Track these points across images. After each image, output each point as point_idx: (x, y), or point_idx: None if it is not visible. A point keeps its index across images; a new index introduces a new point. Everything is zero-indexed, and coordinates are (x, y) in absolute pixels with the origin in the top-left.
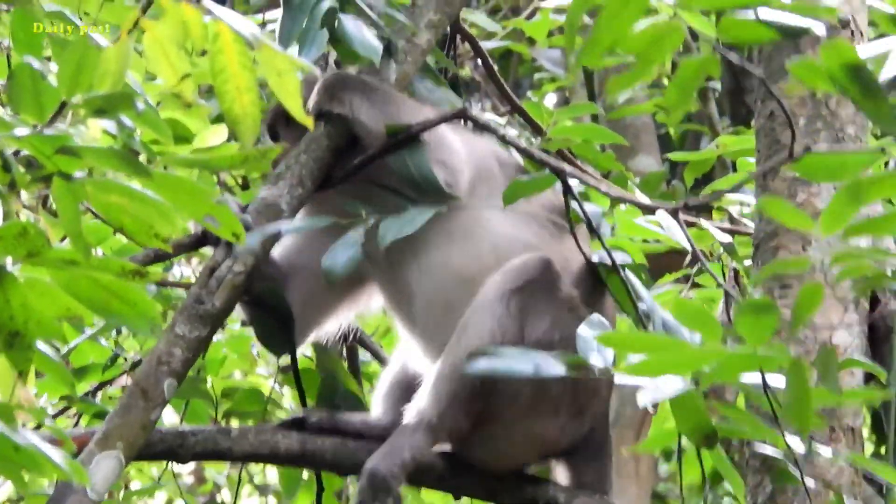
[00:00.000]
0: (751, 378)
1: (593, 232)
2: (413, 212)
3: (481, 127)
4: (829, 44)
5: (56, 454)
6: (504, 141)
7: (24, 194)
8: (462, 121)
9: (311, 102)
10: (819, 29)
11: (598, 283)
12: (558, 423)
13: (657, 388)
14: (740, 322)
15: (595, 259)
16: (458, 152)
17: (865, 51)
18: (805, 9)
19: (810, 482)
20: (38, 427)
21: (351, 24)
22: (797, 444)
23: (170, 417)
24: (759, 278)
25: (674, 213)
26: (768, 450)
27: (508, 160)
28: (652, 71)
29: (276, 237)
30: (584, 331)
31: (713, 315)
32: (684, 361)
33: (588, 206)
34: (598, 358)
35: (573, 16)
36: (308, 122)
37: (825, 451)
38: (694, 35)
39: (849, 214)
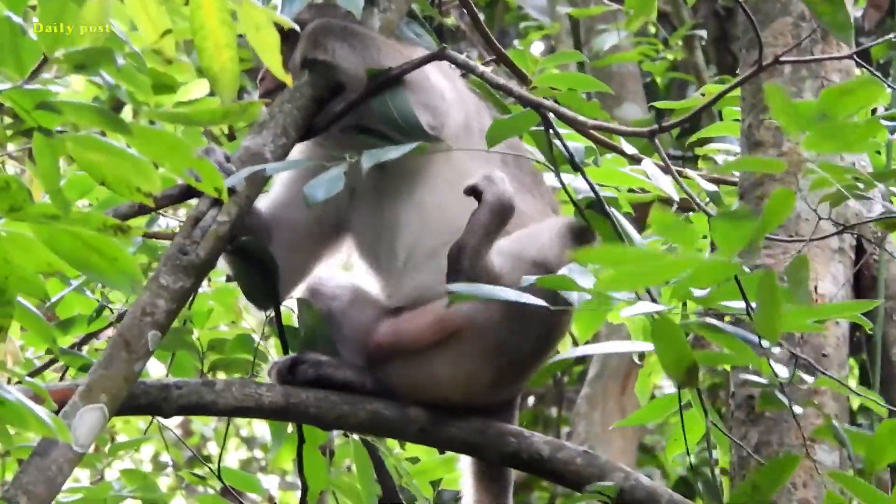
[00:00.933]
0: (733, 303)
1: (576, 168)
2: (386, 149)
3: (460, 66)
4: None
5: (40, 410)
6: (483, 79)
7: (10, 146)
8: (451, 66)
9: (296, 52)
10: None
11: (576, 238)
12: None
13: (634, 307)
14: (716, 229)
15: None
16: (444, 96)
17: None
18: None
19: (797, 409)
20: (19, 383)
21: None
22: (782, 370)
23: (156, 370)
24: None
25: (650, 137)
26: (754, 377)
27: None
28: (648, 13)
29: (259, 188)
30: (566, 272)
31: (691, 227)
32: (661, 270)
33: (570, 144)
34: (584, 280)
35: None
36: (287, 78)
37: (808, 379)
38: None
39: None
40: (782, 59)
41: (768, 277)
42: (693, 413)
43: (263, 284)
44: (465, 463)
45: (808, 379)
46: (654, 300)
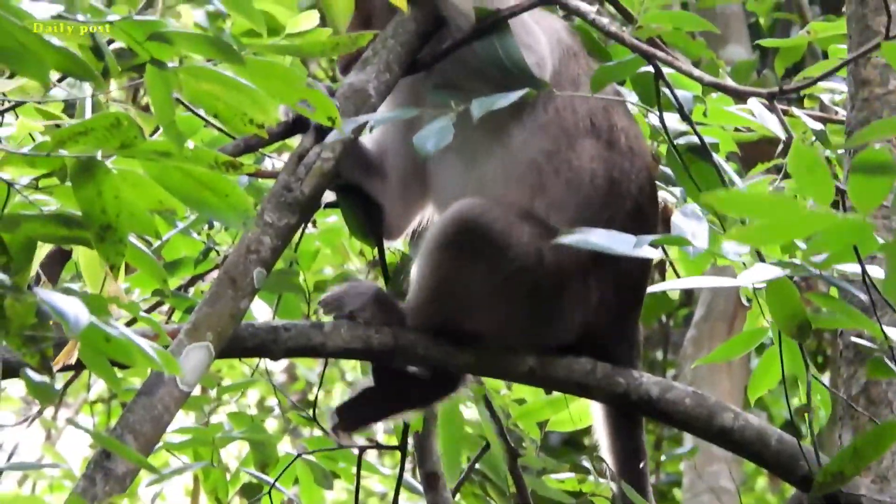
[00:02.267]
0: (850, 267)
1: (685, 118)
2: (495, 96)
3: (570, 10)
4: None
5: (147, 344)
6: (594, 26)
7: (113, 87)
8: (545, 7)
9: None
10: None
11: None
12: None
13: (756, 272)
14: (853, 181)
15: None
16: (543, 40)
17: None
18: None
19: None
20: (132, 322)
21: None
22: (894, 335)
23: (263, 314)
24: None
25: (770, 99)
26: (863, 341)
27: (581, 51)
28: None
29: (363, 125)
30: (679, 217)
31: (828, 172)
32: (794, 226)
33: (679, 92)
34: (699, 237)
35: None
36: (402, 3)
37: None
38: None
39: None
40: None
41: None
42: (790, 354)
43: (368, 223)
44: (595, 407)
45: None
46: (761, 257)
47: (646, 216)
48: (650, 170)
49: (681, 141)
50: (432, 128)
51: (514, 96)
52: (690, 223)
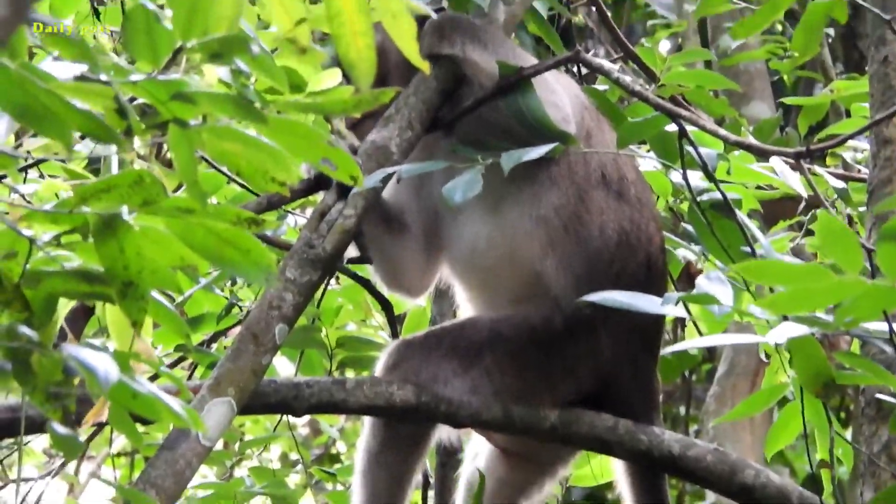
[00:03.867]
0: (876, 326)
1: (708, 175)
2: (522, 150)
3: (594, 69)
4: None
5: (173, 401)
6: (618, 84)
7: (137, 144)
8: (563, 68)
9: (420, 45)
10: None
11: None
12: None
13: (782, 330)
14: (881, 249)
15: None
16: (566, 98)
17: None
18: None
19: None
20: (155, 377)
21: None
22: None
23: (285, 370)
24: (878, 210)
25: (796, 159)
26: (887, 397)
27: (593, 109)
28: (776, 14)
29: (386, 182)
30: (704, 282)
31: (858, 243)
32: (826, 293)
33: (703, 150)
34: (724, 296)
35: None
36: (424, 66)
37: None
38: None
39: None
40: None
41: None
42: (813, 410)
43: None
44: (617, 463)
45: None
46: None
47: (657, 267)
48: (657, 221)
49: (703, 197)
50: (461, 179)
51: (543, 150)
52: (715, 286)
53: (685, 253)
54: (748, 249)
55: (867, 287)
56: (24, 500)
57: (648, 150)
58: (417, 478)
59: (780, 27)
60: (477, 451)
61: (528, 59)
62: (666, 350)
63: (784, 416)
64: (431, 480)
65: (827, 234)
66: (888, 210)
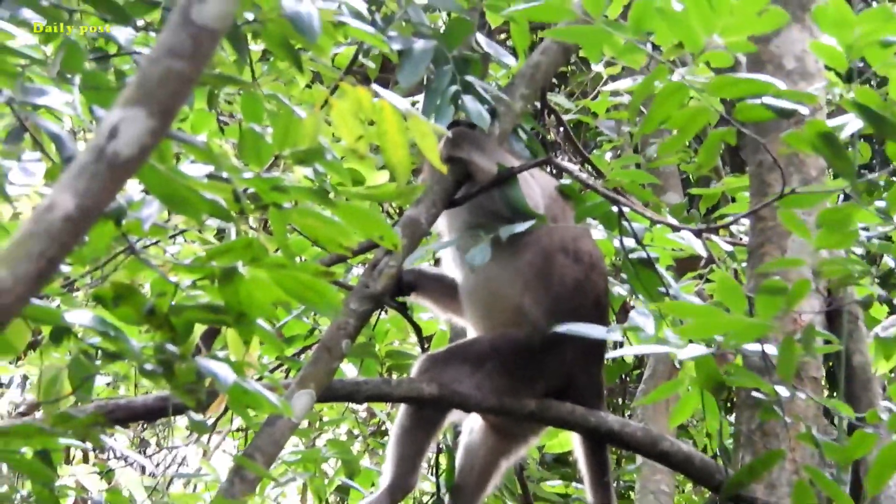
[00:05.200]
0: (752, 346)
1: (638, 241)
2: (514, 225)
3: (561, 169)
4: (811, 121)
5: (271, 396)
6: (578, 180)
7: (251, 220)
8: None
9: (440, 150)
10: (804, 110)
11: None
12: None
13: (689, 350)
14: (759, 299)
15: (634, 257)
16: (538, 190)
17: (831, 123)
18: (795, 95)
19: (787, 419)
20: (261, 378)
21: (469, 101)
22: (782, 390)
23: (350, 373)
24: (759, 271)
25: (697, 234)
26: (758, 394)
27: (559, 198)
28: (688, 136)
29: (416, 245)
30: (635, 314)
31: (742, 292)
32: (719, 325)
33: (634, 224)
34: (648, 326)
35: (635, 101)
36: (443, 168)
37: (800, 395)
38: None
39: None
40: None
41: (788, 342)
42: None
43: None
44: (574, 436)
45: (801, 396)
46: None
47: (602, 304)
48: (604, 273)
49: (633, 255)
50: (476, 249)
51: (528, 224)
52: (642, 317)
53: (621, 290)
54: (664, 291)
55: (747, 323)
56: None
57: (598, 225)
58: (433, 446)
59: (687, 142)
60: (472, 428)
61: (514, 162)
62: (609, 355)
63: (684, 400)
64: (442, 447)
65: (722, 286)
66: (766, 271)
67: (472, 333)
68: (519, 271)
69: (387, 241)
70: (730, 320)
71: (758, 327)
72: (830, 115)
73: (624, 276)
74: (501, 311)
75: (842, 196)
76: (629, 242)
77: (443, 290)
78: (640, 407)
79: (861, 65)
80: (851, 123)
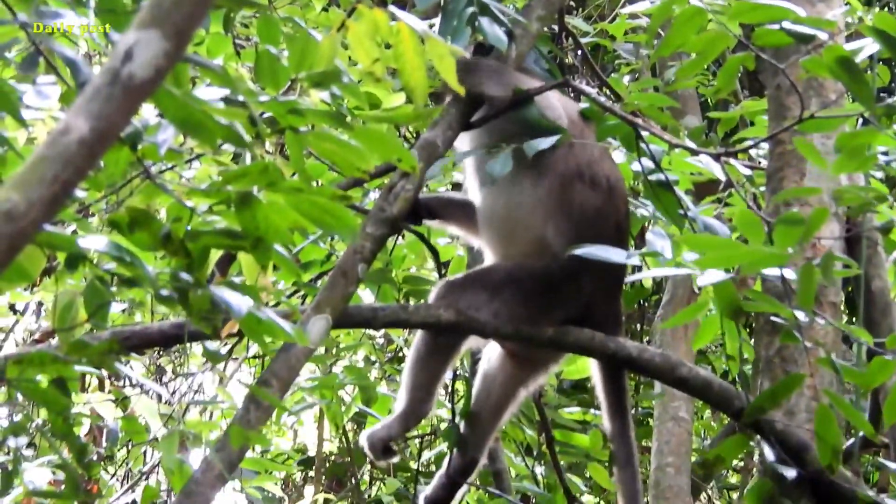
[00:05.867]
0: (772, 271)
1: (656, 164)
2: (539, 140)
3: (578, 91)
4: (830, 46)
5: (285, 324)
6: (596, 102)
7: (267, 144)
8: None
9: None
10: (823, 35)
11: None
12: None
13: (708, 276)
14: (777, 230)
15: (653, 178)
16: (560, 109)
17: (849, 47)
18: (814, 21)
19: (807, 343)
20: (277, 304)
21: (486, 23)
22: (801, 315)
23: (368, 299)
24: (776, 200)
25: (716, 158)
26: (778, 319)
27: (579, 119)
28: (706, 61)
29: (431, 167)
30: (651, 235)
31: (761, 223)
32: (738, 256)
33: (652, 146)
34: (665, 248)
35: (654, 24)
36: (460, 89)
37: (819, 320)
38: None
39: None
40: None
41: (808, 268)
42: (728, 326)
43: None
44: (592, 363)
45: (820, 321)
46: None
47: (623, 231)
48: (624, 196)
49: (652, 178)
50: (498, 160)
51: (553, 140)
52: (659, 239)
53: (644, 211)
54: (683, 213)
55: (765, 253)
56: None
57: (619, 146)
58: (448, 374)
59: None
60: (490, 355)
61: (532, 83)
62: (628, 279)
63: (704, 325)
64: (459, 374)
65: (741, 218)
66: (784, 199)
67: (489, 259)
68: (540, 200)
69: (405, 164)
70: (748, 251)
71: (776, 257)
72: (850, 39)
73: (643, 199)
74: (523, 240)
75: (861, 120)
76: (648, 165)
77: (461, 216)
78: (658, 333)
79: None
80: (868, 47)
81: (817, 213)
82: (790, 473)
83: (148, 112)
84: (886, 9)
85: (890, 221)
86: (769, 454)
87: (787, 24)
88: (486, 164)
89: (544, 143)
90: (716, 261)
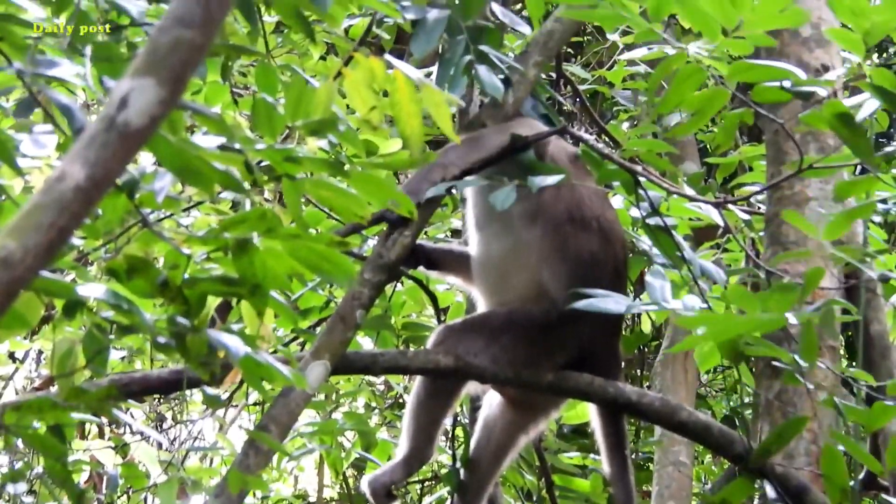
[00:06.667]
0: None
1: (654, 209)
2: (542, 176)
3: (577, 138)
4: (830, 102)
5: (284, 368)
6: (593, 150)
7: (266, 192)
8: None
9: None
10: (822, 92)
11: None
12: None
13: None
14: (772, 296)
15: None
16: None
17: (848, 103)
18: (814, 83)
19: (809, 385)
20: (275, 351)
21: (483, 71)
22: (802, 361)
23: (367, 345)
24: (774, 264)
25: (717, 206)
26: (776, 363)
27: (580, 165)
28: (705, 120)
29: (429, 216)
30: (650, 277)
31: (754, 298)
32: (735, 327)
33: (651, 193)
34: (664, 290)
35: (653, 82)
36: (457, 138)
37: (819, 364)
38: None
39: (842, 227)
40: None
41: (809, 325)
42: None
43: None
44: (592, 407)
45: (820, 365)
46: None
47: (622, 275)
48: (622, 240)
49: (651, 222)
50: (500, 192)
51: (554, 179)
52: (658, 280)
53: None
54: (680, 255)
55: (762, 321)
56: (188, 435)
57: (616, 193)
58: (449, 419)
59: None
60: (491, 402)
61: (532, 129)
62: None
63: (704, 353)
64: (459, 420)
65: (734, 294)
66: (781, 261)
67: (482, 307)
68: (533, 243)
69: (403, 209)
70: (745, 321)
71: (773, 322)
72: (849, 83)
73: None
74: (519, 285)
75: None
76: (647, 209)
77: (458, 266)
78: (657, 377)
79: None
80: (868, 104)
81: (814, 272)
82: None
83: (145, 160)
84: (885, 54)
85: (887, 270)
86: (772, 496)
87: (786, 83)
88: (489, 196)
89: (548, 180)
90: (714, 336)
